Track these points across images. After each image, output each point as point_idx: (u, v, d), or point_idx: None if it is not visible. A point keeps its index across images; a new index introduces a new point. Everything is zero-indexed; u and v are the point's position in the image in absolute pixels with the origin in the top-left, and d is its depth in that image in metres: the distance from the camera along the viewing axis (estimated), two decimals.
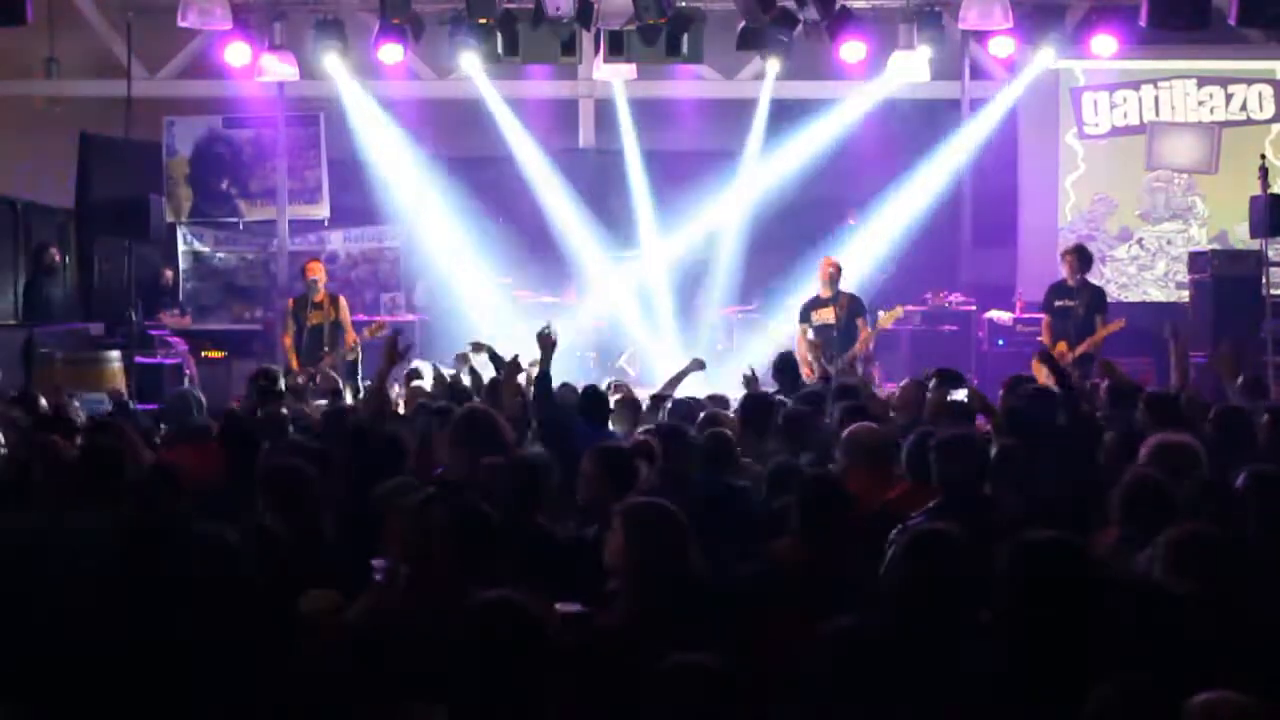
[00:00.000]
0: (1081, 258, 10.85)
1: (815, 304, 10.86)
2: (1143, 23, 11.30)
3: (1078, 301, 10.64)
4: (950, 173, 13.74)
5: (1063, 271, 10.87)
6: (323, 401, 8.63)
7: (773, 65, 12.96)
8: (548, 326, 6.92)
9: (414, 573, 4.03)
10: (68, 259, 13.61)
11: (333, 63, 13.07)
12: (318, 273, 10.99)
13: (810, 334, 10.66)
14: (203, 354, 12.70)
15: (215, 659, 3.49)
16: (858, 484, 5.18)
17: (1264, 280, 11.46)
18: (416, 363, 9.89)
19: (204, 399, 7.93)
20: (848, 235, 13.40)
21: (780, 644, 3.58)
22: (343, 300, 11.13)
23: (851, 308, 10.77)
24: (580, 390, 7.38)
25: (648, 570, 3.91)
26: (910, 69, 12.89)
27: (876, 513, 5.01)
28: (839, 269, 10.97)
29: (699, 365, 8.67)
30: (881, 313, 11.12)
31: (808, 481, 4.62)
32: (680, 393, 8.02)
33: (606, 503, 4.52)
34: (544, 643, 3.16)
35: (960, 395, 7.08)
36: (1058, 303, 10.77)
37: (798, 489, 4.58)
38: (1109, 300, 11.14)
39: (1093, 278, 10.75)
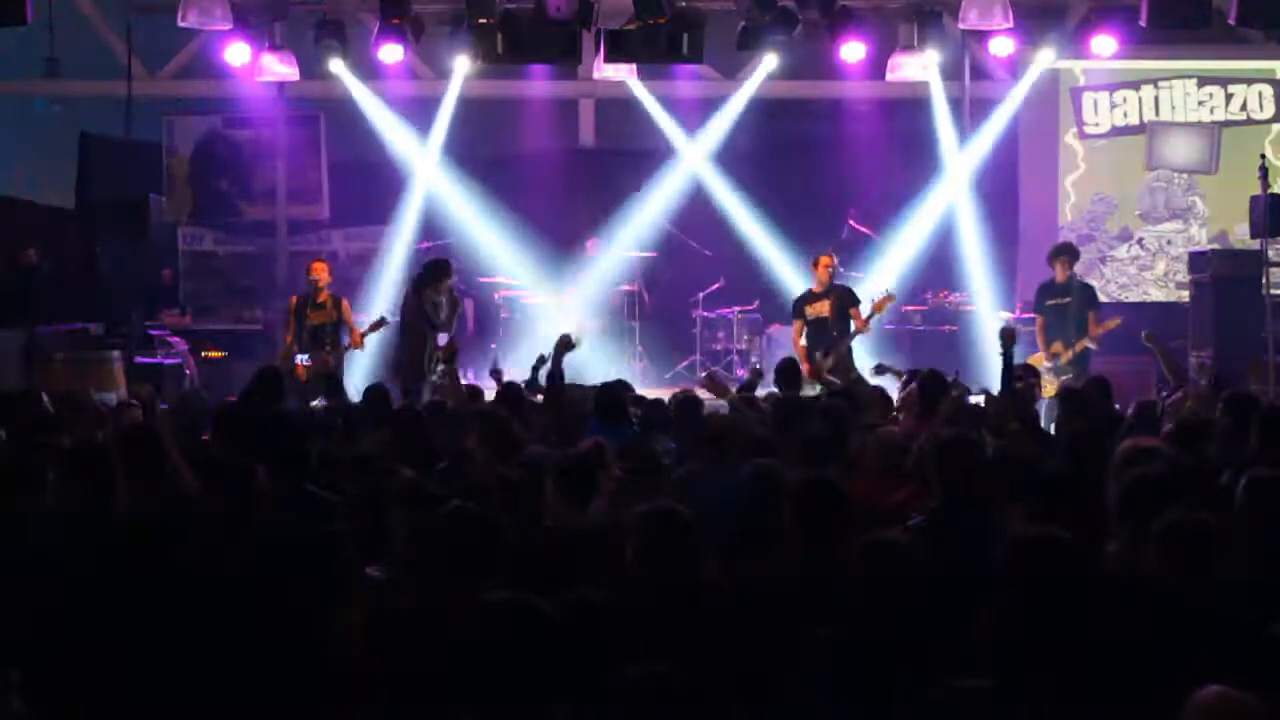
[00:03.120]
0: (1074, 256, 10.93)
1: (809, 298, 10.91)
2: (1143, 23, 11.30)
3: (1071, 299, 10.66)
4: (950, 173, 13.74)
5: (1055, 272, 10.87)
6: (319, 402, 8.61)
7: (769, 63, 12.96)
8: (570, 334, 7.11)
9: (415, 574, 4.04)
10: (65, 258, 13.59)
11: (333, 63, 13.06)
12: (320, 272, 10.99)
13: (806, 331, 10.73)
14: (203, 354, 12.70)
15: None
16: (869, 488, 5.28)
17: (1264, 280, 11.45)
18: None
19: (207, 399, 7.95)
20: (848, 236, 13.36)
21: (777, 647, 3.58)
22: (345, 302, 11.13)
23: (844, 300, 10.79)
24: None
25: (660, 576, 3.97)
26: (910, 69, 12.88)
27: (884, 515, 5.02)
28: (834, 264, 11.01)
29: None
30: (871, 300, 11.10)
31: (805, 486, 4.57)
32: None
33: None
34: (550, 643, 3.16)
35: (976, 399, 7.07)
36: (1050, 302, 10.79)
37: (795, 493, 4.54)
38: (1101, 299, 11.16)
39: (1094, 278, 10.78)
